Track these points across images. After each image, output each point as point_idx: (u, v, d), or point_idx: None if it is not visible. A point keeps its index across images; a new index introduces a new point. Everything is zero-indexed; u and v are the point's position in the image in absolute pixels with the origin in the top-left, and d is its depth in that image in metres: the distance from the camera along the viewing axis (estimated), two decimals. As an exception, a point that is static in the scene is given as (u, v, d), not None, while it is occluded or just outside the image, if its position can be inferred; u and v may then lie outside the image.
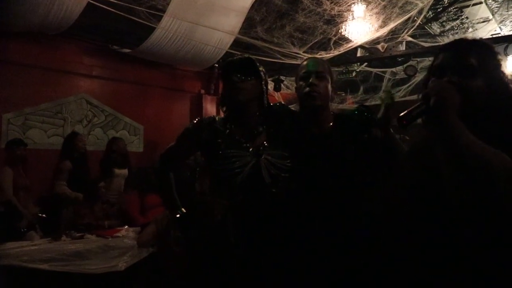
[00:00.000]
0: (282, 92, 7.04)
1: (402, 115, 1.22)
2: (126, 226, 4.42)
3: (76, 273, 3.56)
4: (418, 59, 6.76)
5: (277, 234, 1.99)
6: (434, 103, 1.17)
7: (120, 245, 3.94)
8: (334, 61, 6.21)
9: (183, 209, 2.13)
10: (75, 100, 5.92)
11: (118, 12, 4.43)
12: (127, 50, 6.07)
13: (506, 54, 5.69)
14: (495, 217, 1.12)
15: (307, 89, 2.01)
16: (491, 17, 7.19)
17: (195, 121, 2.12)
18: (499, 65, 1.36)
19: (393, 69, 7.44)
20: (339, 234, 1.93)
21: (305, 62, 2.14)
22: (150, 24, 5.03)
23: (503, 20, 7.18)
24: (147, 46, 5.56)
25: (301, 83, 2.06)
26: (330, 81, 2.07)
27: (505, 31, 7.77)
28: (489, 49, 1.38)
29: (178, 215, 2.13)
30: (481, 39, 1.43)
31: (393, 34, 6.06)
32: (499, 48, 5.73)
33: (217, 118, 2.11)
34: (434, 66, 1.38)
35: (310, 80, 2.01)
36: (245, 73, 2.01)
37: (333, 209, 1.94)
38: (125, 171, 5.45)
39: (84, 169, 5.13)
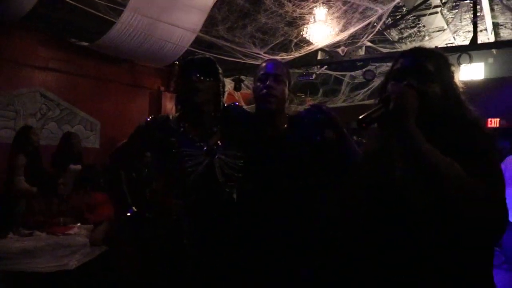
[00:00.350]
0: (242, 92, 7.06)
1: (362, 117, 1.24)
2: (79, 224, 4.29)
3: (24, 272, 3.44)
4: (377, 64, 6.93)
5: (231, 234, 1.99)
6: (394, 107, 1.21)
7: (71, 243, 3.83)
8: (295, 63, 6.28)
9: (134, 208, 2.09)
10: (28, 92, 5.72)
11: (76, 4, 4.33)
12: (86, 44, 5.92)
13: (459, 63, 5.90)
14: (448, 220, 1.17)
15: (264, 91, 2.01)
16: (446, 27, 7.46)
17: (148, 119, 2.09)
18: (453, 75, 1.42)
19: (352, 73, 7.61)
20: (293, 235, 1.94)
21: (264, 64, 2.13)
22: (110, 18, 4.93)
23: (456, 31, 7.47)
24: (106, 40, 5.45)
25: (258, 84, 2.06)
26: (287, 85, 2.08)
27: (459, 41, 8.09)
28: (444, 58, 1.45)
29: (128, 214, 2.09)
30: (437, 48, 1.51)
31: (353, 39, 6.20)
32: (452, 58, 5.94)
33: (171, 117, 2.08)
34: (394, 70, 1.43)
35: (268, 83, 2.00)
36: (204, 73, 2.00)
37: (287, 210, 1.95)
38: (78, 167, 5.30)
39: (38, 164, 4.96)
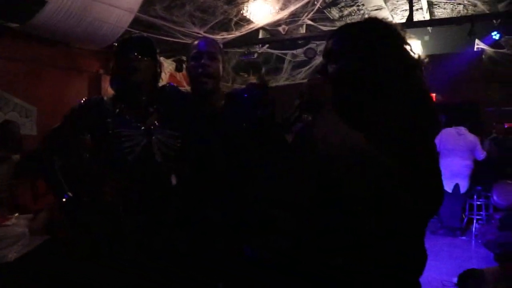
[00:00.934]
0: (183, 73, 6.95)
1: (284, 122, 1.37)
2: (17, 214, 4.14)
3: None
4: (318, 42, 7.02)
5: (169, 215, 1.98)
6: (306, 102, 1.30)
7: (9, 234, 3.70)
8: (236, 42, 6.26)
9: (69, 193, 2.03)
10: (-46, 78, 5.38)
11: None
12: (15, 25, 5.61)
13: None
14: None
15: (200, 70, 2.00)
16: (384, 5, 7.65)
17: (82, 101, 2.03)
18: (395, 45, 1.38)
19: (294, 51, 7.67)
20: (231, 214, 1.96)
21: (196, 42, 2.12)
22: (40, -3, 4.70)
23: (394, 9, 7.67)
24: (38, 21, 5.17)
25: (192, 63, 2.04)
26: (221, 61, 2.07)
27: (397, 19, 8.32)
28: (380, 30, 1.39)
29: (64, 199, 2.04)
30: (374, 19, 1.45)
31: (294, 17, 6.24)
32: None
33: (105, 98, 2.04)
34: (324, 51, 1.46)
35: (202, 61, 1.99)
36: (142, 52, 1.96)
37: (225, 189, 1.96)
38: (17, 157, 5.07)
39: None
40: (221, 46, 2.16)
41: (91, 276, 2.02)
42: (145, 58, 1.97)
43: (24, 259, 3.69)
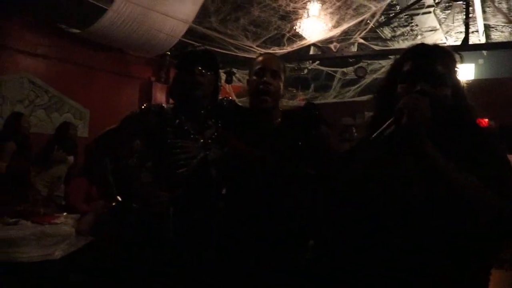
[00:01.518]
0: (233, 85, 7.03)
1: (374, 137, 1.22)
2: (65, 213, 4.25)
3: (8, 262, 3.39)
4: (369, 61, 6.94)
5: (218, 229, 1.98)
6: (407, 121, 1.17)
7: (57, 233, 3.79)
8: (287, 57, 6.26)
9: (119, 197, 2.05)
10: (16, 78, 5.62)
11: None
12: (76, 31, 5.83)
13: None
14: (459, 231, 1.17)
15: (261, 86, 1.98)
16: (438, 27, 7.49)
17: (143, 106, 2.04)
18: (456, 70, 1.39)
19: (344, 69, 7.60)
20: (282, 230, 1.94)
21: (261, 58, 2.10)
22: (102, 6, 4.86)
23: (448, 31, 7.50)
24: (97, 28, 5.36)
25: (254, 78, 2.03)
26: (283, 80, 2.06)
27: (450, 41, 8.13)
28: (451, 56, 1.40)
29: (113, 204, 2.06)
30: (440, 45, 1.45)
31: (346, 35, 6.19)
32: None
33: (165, 107, 2.05)
34: (404, 72, 1.36)
35: (265, 78, 1.98)
36: (206, 66, 1.97)
37: (278, 206, 1.95)
38: (70, 158, 5.23)
39: (27, 152, 4.88)
40: (284, 64, 2.14)
41: (130, 282, 2.04)
42: (209, 73, 1.97)
43: (69, 258, 3.78)
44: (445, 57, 1.36)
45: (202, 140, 1.96)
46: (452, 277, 1.23)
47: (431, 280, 1.23)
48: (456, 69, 1.39)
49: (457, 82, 1.36)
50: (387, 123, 1.21)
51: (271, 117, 2.04)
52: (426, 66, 1.32)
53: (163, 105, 2.07)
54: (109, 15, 5.08)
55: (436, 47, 1.40)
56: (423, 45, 1.42)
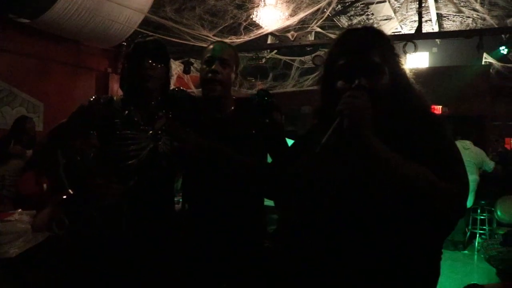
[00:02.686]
0: (191, 75, 6.97)
1: (320, 148, 1.19)
2: (20, 210, 4.13)
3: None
4: (326, 50, 7.00)
5: (171, 219, 1.99)
6: (349, 124, 1.16)
7: (11, 230, 3.68)
8: (245, 46, 6.26)
9: (70, 190, 2.02)
10: (-38, 71, 5.40)
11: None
12: (26, 20, 5.63)
13: (405, 52, 6.07)
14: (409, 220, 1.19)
15: (209, 75, 1.97)
16: (393, 15, 7.67)
17: (91, 98, 2.00)
18: (395, 53, 1.37)
19: (302, 58, 7.68)
20: (236, 221, 1.96)
21: (211, 46, 2.08)
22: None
23: (403, 20, 7.69)
24: (49, 18, 5.21)
25: (204, 66, 2.02)
26: (234, 69, 2.05)
27: (405, 30, 8.34)
28: (385, 39, 1.37)
29: (64, 197, 2.03)
30: (372, 27, 1.40)
31: (303, 24, 6.25)
32: (398, 46, 6.11)
33: (115, 98, 2.02)
34: (338, 67, 1.32)
35: (213, 67, 1.96)
36: (155, 59, 1.94)
37: (232, 194, 1.96)
38: (30, 152, 5.08)
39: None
40: (236, 52, 2.13)
41: (88, 275, 2.02)
42: (159, 65, 1.95)
43: (26, 255, 3.68)
44: (379, 43, 1.33)
45: (151, 131, 1.94)
46: (406, 264, 1.25)
47: (385, 271, 1.25)
48: (393, 54, 1.36)
49: (396, 68, 1.33)
50: (330, 131, 1.19)
51: (223, 106, 2.04)
52: (360, 59, 1.29)
53: (113, 96, 2.04)
54: (60, 4, 4.95)
55: (368, 33, 1.36)
56: (354, 33, 1.39)
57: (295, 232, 1.51)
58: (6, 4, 5.48)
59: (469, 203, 6.20)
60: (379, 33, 1.38)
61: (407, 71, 1.39)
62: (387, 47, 1.35)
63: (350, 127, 1.16)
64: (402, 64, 1.37)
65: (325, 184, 1.33)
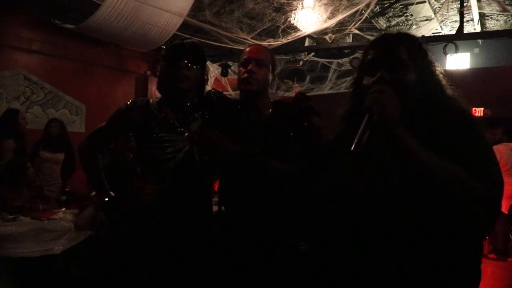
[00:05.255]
0: (229, 78, 7.02)
1: (354, 148, 1.16)
2: (64, 209, 4.28)
3: (8, 257, 3.42)
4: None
5: (206, 221, 2.02)
6: (380, 119, 1.15)
7: (56, 228, 3.81)
8: (282, 49, 6.27)
9: (111, 192, 2.08)
10: (11, 75, 5.63)
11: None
12: (70, 26, 5.82)
13: (445, 53, 5.94)
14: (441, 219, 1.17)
15: (245, 75, 1.99)
16: (433, 16, 7.50)
17: (128, 102, 2.04)
18: (429, 59, 1.36)
19: (339, 60, 7.61)
20: (271, 223, 1.96)
21: (247, 49, 2.11)
22: (95, 0, 4.85)
23: (443, 20, 7.50)
24: (92, 23, 5.36)
25: (241, 68, 2.05)
26: (270, 69, 2.05)
27: (445, 31, 8.14)
28: (415, 41, 1.38)
29: (105, 199, 2.08)
30: (405, 32, 1.44)
31: (341, 26, 6.19)
32: (438, 47, 5.97)
33: (151, 101, 2.05)
34: (365, 63, 1.36)
35: (249, 67, 1.99)
36: (192, 60, 1.97)
37: (267, 197, 1.96)
38: (58, 155, 5.22)
39: (24, 149, 4.89)
40: (272, 55, 2.15)
41: (125, 274, 2.07)
42: (194, 66, 1.98)
43: (69, 253, 3.80)
44: (407, 43, 1.34)
45: (187, 133, 1.97)
46: (443, 268, 1.24)
47: (421, 275, 1.23)
48: (423, 53, 1.36)
49: (425, 68, 1.33)
50: (361, 128, 1.16)
51: (260, 107, 2.05)
52: (385, 53, 1.31)
53: (149, 99, 2.07)
54: (103, 10, 5.08)
55: (398, 35, 1.38)
56: (384, 34, 1.41)
57: (329, 235, 1.50)
58: (51, 10, 5.70)
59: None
60: (410, 36, 1.40)
61: (440, 75, 1.37)
62: (416, 48, 1.36)
63: (380, 122, 1.15)
64: (434, 67, 1.36)
65: (360, 187, 1.32)
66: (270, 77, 2.05)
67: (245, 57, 2.05)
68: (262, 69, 2.01)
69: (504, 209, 5.87)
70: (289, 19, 5.59)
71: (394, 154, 1.19)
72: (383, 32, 1.45)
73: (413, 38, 1.39)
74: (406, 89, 1.26)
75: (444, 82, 1.37)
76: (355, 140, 1.16)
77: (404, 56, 1.30)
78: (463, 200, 1.12)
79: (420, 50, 1.36)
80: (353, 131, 1.21)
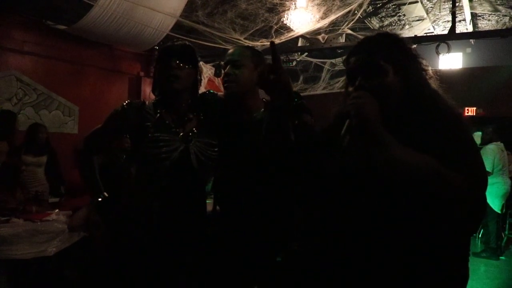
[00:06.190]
0: (222, 78, 7.01)
1: (338, 148, 1.26)
2: (57, 210, 4.26)
3: (1, 259, 3.40)
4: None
5: (202, 220, 2.03)
6: (356, 121, 1.23)
7: (49, 230, 3.79)
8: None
9: (105, 193, 2.09)
10: (3, 76, 5.59)
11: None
12: (63, 27, 5.80)
13: (438, 53, 5.97)
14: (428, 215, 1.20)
15: (225, 79, 2.04)
16: (425, 16, 7.54)
17: (124, 103, 2.06)
18: (410, 53, 1.38)
19: (333, 60, 7.63)
20: (267, 222, 1.97)
21: (227, 52, 2.15)
22: (88, 1, 4.84)
23: (436, 20, 7.55)
24: (84, 24, 5.34)
25: (222, 71, 2.10)
26: (252, 67, 2.04)
27: (438, 31, 8.18)
28: (394, 40, 1.40)
29: (99, 199, 2.09)
30: (384, 33, 1.46)
31: (334, 26, 6.21)
32: (431, 47, 6.01)
33: (147, 102, 2.07)
34: (346, 72, 1.40)
35: (226, 69, 2.03)
36: (183, 60, 1.98)
37: (262, 196, 1.97)
38: (41, 158, 5.20)
39: (18, 151, 4.86)
40: (258, 53, 2.15)
41: (121, 274, 2.07)
42: (186, 66, 1.99)
43: (63, 254, 3.79)
44: (386, 45, 1.36)
45: (182, 133, 1.98)
46: (429, 264, 1.25)
47: (409, 274, 1.26)
48: (405, 52, 1.37)
49: (407, 66, 1.34)
50: (343, 132, 1.26)
51: (250, 107, 2.06)
52: (361, 61, 1.34)
53: (145, 101, 2.10)
54: (95, 11, 5.06)
55: (376, 38, 1.41)
56: (362, 41, 1.43)
57: (319, 232, 1.56)
58: (44, 11, 5.67)
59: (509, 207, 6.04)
60: (390, 36, 1.42)
61: (426, 71, 1.40)
62: (397, 48, 1.37)
63: (359, 125, 1.23)
64: (418, 63, 1.39)
65: (346, 181, 1.37)
66: (250, 75, 2.05)
67: (224, 61, 2.10)
68: (239, 69, 2.03)
69: (498, 208, 5.93)
70: (282, 20, 5.60)
71: (370, 152, 1.24)
72: (362, 38, 1.47)
73: (392, 37, 1.41)
74: (385, 92, 1.30)
75: (428, 77, 1.40)
76: (339, 143, 1.25)
77: (380, 61, 1.32)
78: (444, 194, 1.15)
79: (401, 48, 1.38)
80: (338, 130, 1.29)
